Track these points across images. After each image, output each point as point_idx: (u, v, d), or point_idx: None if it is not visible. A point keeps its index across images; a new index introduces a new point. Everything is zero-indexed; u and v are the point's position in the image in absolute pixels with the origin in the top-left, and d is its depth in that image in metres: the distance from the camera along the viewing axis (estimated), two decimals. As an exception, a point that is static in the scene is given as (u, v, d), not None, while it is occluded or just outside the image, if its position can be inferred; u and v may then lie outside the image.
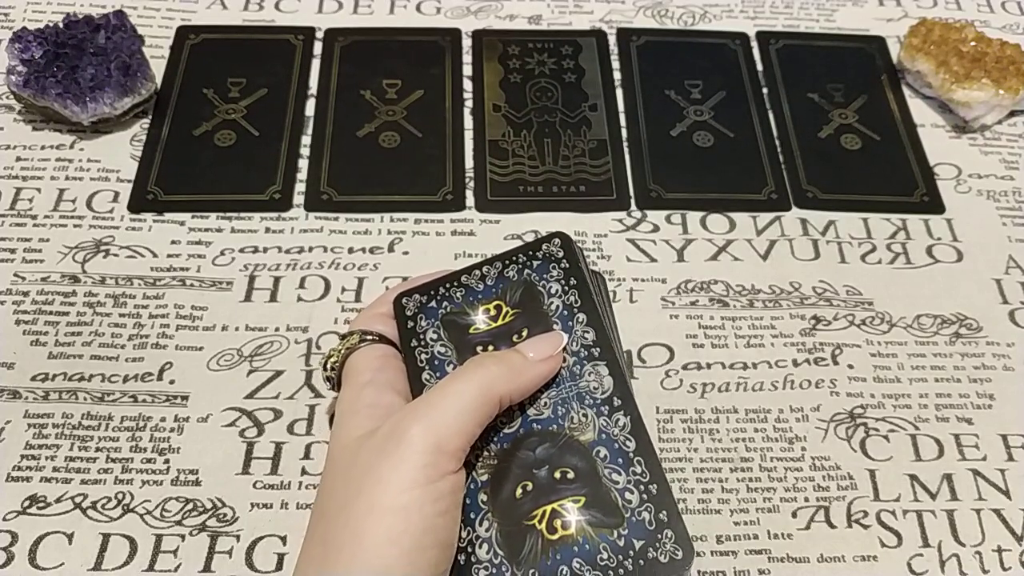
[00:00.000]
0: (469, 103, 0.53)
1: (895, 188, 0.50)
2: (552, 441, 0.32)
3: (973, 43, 0.54)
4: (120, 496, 0.38)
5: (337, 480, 0.31)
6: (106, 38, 0.50)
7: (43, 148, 0.49)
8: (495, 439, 0.32)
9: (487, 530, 0.31)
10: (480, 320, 0.35)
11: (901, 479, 0.40)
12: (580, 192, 0.49)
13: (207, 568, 0.36)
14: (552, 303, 0.35)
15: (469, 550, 0.30)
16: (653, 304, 0.45)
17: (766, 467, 0.40)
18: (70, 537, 0.37)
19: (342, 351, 0.35)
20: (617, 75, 0.55)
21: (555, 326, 0.34)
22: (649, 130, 0.52)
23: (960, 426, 0.42)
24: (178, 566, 0.36)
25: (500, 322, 0.35)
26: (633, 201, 0.49)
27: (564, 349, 0.34)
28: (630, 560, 0.29)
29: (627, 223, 0.48)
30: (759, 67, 0.56)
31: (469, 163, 0.50)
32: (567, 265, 0.35)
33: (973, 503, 0.39)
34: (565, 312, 0.34)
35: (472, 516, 0.31)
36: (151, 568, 0.36)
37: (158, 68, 0.53)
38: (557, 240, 0.36)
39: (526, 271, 0.36)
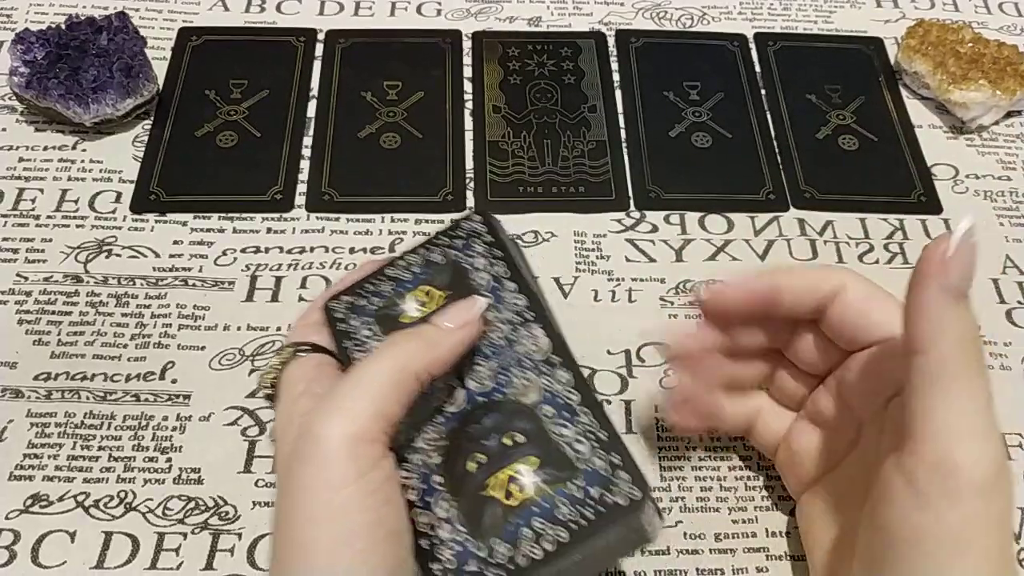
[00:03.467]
0: (469, 104, 0.53)
1: (892, 188, 0.51)
2: (498, 410, 0.32)
3: (970, 44, 0.54)
4: (122, 495, 0.38)
5: (279, 494, 0.30)
6: (108, 39, 0.50)
7: (45, 149, 0.50)
8: (442, 421, 0.32)
9: (446, 511, 0.30)
10: (411, 308, 0.35)
11: (899, 477, 0.40)
12: (579, 192, 0.49)
13: (209, 566, 0.36)
14: (480, 277, 0.35)
15: (431, 533, 0.30)
16: (652, 304, 0.45)
17: (764, 465, 0.40)
18: (72, 536, 0.37)
19: (278, 366, 0.35)
20: (616, 76, 0.55)
21: (486, 298, 0.34)
22: (648, 131, 0.52)
23: (957, 425, 0.42)
24: (180, 564, 0.36)
25: (431, 306, 0.35)
26: (632, 201, 0.49)
27: (497, 318, 0.33)
28: (590, 508, 0.29)
29: (626, 223, 0.48)
30: (757, 68, 0.56)
31: (469, 164, 0.50)
32: (490, 239, 0.36)
33: (970, 501, 0.39)
34: (495, 284, 0.35)
35: (429, 500, 0.31)
36: (153, 566, 0.36)
37: (160, 69, 0.53)
38: (477, 216, 0.37)
39: (451, 252, 0.36)
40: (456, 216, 0.37)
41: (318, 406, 0.29)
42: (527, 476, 0.30)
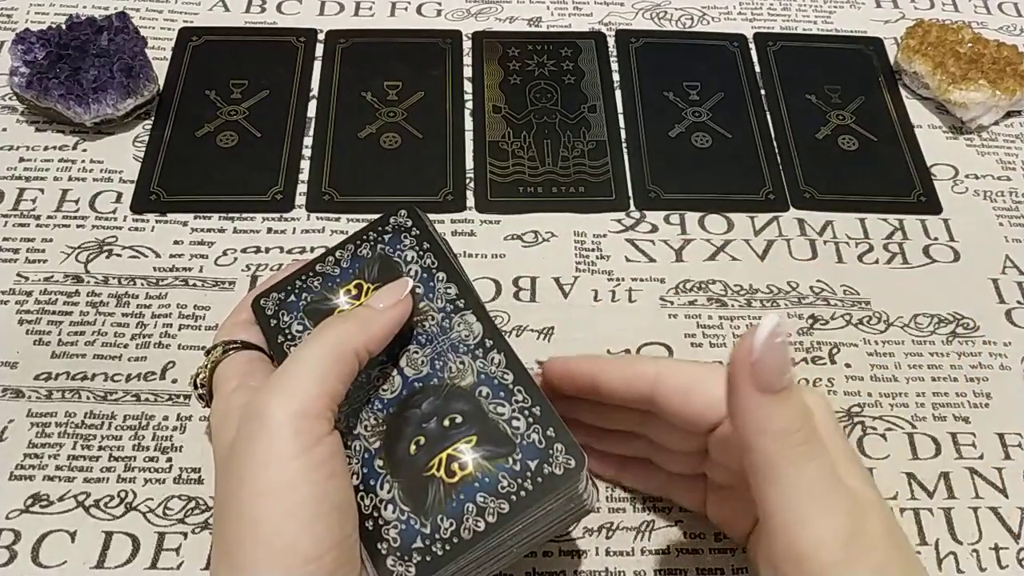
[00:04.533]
0: (469, 104, 0.53)
1: (892, 188, 0.51)
2: (436, 394, 0.32)
3: (970, 44, 0.54)
4: (123, 494, 0.38)
5: (220, 481, 0.30)
6: (109, 40, 0.50)
7: (46, 149, 0.50)
8: (380, 407, 0.33)
9: (389, 492, 0.31)
10: (343, 302, 0.35)
11: (898, 477, 0.40)
12: (579, 192, 0.49)
13: (209, 566, 0.36)
14: (411, 269, 0.35)
15: (375, 515, 0.31)
16: (652, 304, 0.45)
17: (764, 465, 0.40)
18: (73, 535, 0.37)
19: (208, 365, 0.35)
20: (616, 77, 0.55)
21: (418, 289, 0.35)
22: (648, 131, 0.52)
23: (957, 425, 0.42)
24: (180, 564, 0.36)
25: (363, 299, 0.35)
26: (632, 201, 0.49)
27: (429, 307, 0.34)
28: (528, 480, 0.30)
29: (626, 223, 0.48)
30: (757, 69, 0.56)
31: (469, 164, 0.50)
32: (418, 232, 0.36)
33: (970, 501, 0.40)
34: (425, 275, 0.35)
35: (372, 483, 0.31)
36: (153, 566, 0.36)
37: (160, 69, 0.53)
38: (403, 211, 0.37)
39: (379, 246, 0.36)
40: (383, 214, 0.37)
41: (262, 388, 0.30)
42: (467, 454, 0.31)
